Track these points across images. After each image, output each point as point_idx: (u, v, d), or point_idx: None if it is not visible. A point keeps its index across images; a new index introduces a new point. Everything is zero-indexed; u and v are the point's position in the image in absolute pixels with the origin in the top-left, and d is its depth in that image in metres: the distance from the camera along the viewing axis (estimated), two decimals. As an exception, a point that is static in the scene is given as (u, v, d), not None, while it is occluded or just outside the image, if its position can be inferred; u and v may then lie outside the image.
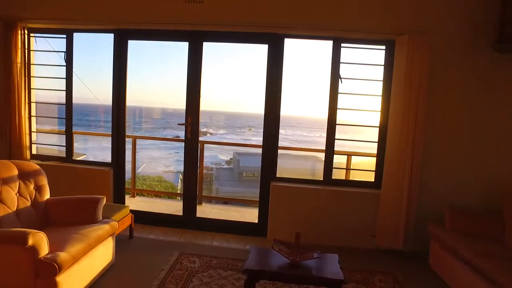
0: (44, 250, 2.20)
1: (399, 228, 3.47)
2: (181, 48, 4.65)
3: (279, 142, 3.88)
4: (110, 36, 3.95)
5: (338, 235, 3.71)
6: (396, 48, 3.40)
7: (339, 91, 3.69)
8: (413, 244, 3.51)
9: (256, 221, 3.99)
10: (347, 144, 4.01)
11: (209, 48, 3.86)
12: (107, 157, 4.19)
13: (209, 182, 16.24)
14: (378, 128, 3.71)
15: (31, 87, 4.11)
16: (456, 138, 3.54)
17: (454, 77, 3.47)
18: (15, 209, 2.63)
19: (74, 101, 4.12)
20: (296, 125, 36.12)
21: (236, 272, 3.03)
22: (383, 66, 3.64)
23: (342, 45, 3.64)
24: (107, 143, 4.18)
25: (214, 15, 3.64)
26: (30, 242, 2.12)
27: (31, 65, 4.10)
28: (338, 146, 3.82)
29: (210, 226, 4.02)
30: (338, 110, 3.72)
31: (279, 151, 3.90)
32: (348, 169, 4.54)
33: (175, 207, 4.70)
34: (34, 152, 4.24)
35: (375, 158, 3.80)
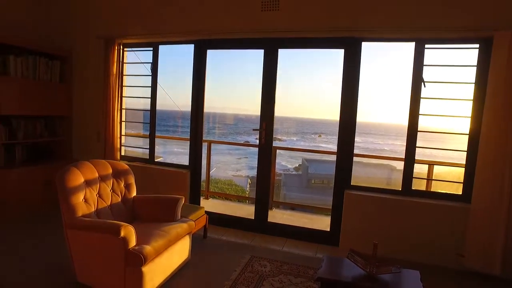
0: (133, 242, 2.42)
1: (495, 250, 3.05)
2: (255, 54, 4.77)
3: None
4: (188, 47, 4.21)
5: (417, 250, 3.40)
6: (494, 45, 3.00)
7: (421, 96, 3.41)
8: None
9: (328, 229, 3.88)
10: (426, 152, 3.69)
11: (280, 53, 3.87)
12: (177, 160, 4.44)
13: (276, 188, 16.33)
14: (467, 136, 3.34)
15: (123, 95, 4.59)
16: None
17: None
18: (109, 204, 2.94)
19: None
20: (368, 132, 34.46)
21: (307, 279, 2.97)
22: (475, 67, 3.24)
23: (426, 46, 3.35)
24: (177, 148, 4.48)
25: (290, 22, 3.65)
26: (122, 233, 2.34)
27: (123, 76, 4.57)
28: (417, 154, 3.53)
29: (280, 231, 4.02)
30: (420, 116, 3.44)
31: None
32: (430, 179, 4.17)
33: (244, 210, 4.82)
34: (122, 153, 4.69)
35: (462, 169, 3.41)
